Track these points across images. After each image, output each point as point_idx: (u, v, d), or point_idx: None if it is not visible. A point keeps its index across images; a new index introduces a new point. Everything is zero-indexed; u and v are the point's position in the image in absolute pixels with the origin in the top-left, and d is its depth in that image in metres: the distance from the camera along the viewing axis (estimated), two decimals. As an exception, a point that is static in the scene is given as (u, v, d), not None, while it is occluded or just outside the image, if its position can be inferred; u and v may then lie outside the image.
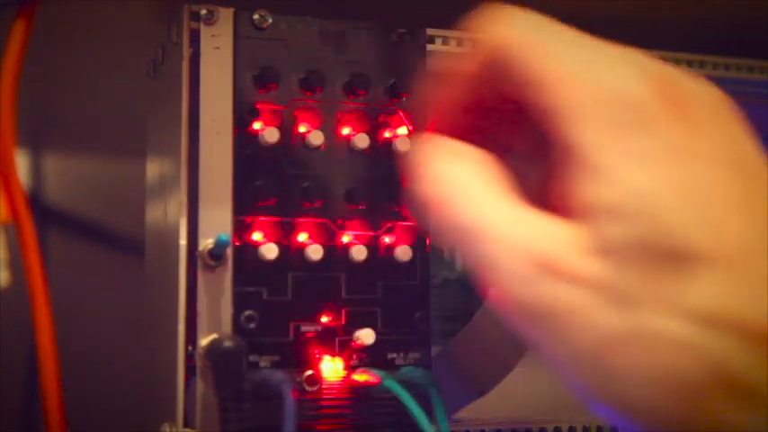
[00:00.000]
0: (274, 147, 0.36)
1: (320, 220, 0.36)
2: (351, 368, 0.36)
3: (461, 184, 0.24)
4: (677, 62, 0.44)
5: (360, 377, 0.36)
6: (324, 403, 0.35)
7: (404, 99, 0.38)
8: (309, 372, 0.35)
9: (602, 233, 0.22)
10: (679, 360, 0.21)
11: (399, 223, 0.37)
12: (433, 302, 0.40)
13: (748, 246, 0.22)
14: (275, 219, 0.36)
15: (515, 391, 0.47)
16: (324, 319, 0.36)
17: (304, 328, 0.36)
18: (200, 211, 0.35)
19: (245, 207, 0.35)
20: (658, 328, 0.21)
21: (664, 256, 0.21)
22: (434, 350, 0.38)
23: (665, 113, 0.23)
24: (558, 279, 0.22)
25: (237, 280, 0.35)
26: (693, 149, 0.23)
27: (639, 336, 0.21)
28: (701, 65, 0.44)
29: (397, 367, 0.36)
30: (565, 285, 0.22)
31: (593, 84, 0.23)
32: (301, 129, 0.37)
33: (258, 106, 0.36)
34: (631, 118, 0.23)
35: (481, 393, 0.38)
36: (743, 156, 0.23)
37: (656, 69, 0.24)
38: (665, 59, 0.43)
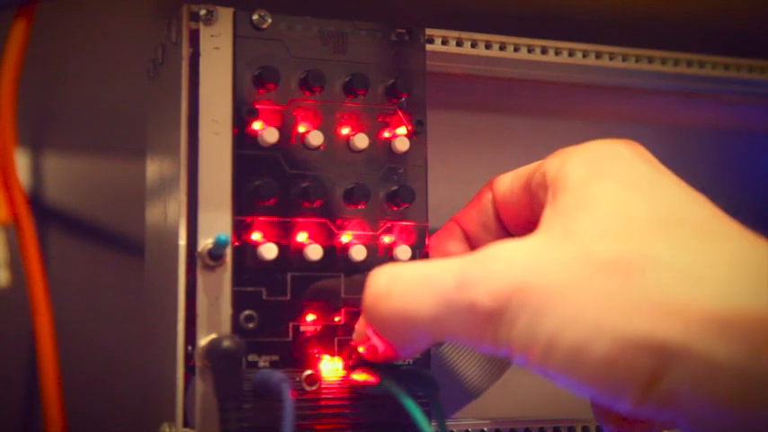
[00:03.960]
0: (274, 147, 0.36)
1: (319, 220, 0.36)
2: (350, 368, 0.36)
3: None
4: (677, 62, 0.44)
5: (359, 377, 0.36)
6: (323, 403, 0.35)
7: (403, 99, 0.38)
8: (309, 371, 0.35)
9: None
10: None
11: (398, 223, 0.37)
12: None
13: None
14: (274, 219, 0.36)
15: (515, 391, 0.47)
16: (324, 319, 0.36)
17: (303, 328, 0.36)
18: (199, 211, 0.35)
19: (244, 207, 0.35)
20: None
21: None
22: (434, 350, 0.38)
23: None
24: None
25: (237, 280, 0.35)
26: None
27: None
28: (701, 65, 0.44)
29: (397, 367, 0.36)
30: None
31: None
32: (301, 129, 0.37)
33: (257, 106, 0.36)
34: None
35: (475, 396, 0.38)
36: None
37: None
38: (666, 59, 0.44)
